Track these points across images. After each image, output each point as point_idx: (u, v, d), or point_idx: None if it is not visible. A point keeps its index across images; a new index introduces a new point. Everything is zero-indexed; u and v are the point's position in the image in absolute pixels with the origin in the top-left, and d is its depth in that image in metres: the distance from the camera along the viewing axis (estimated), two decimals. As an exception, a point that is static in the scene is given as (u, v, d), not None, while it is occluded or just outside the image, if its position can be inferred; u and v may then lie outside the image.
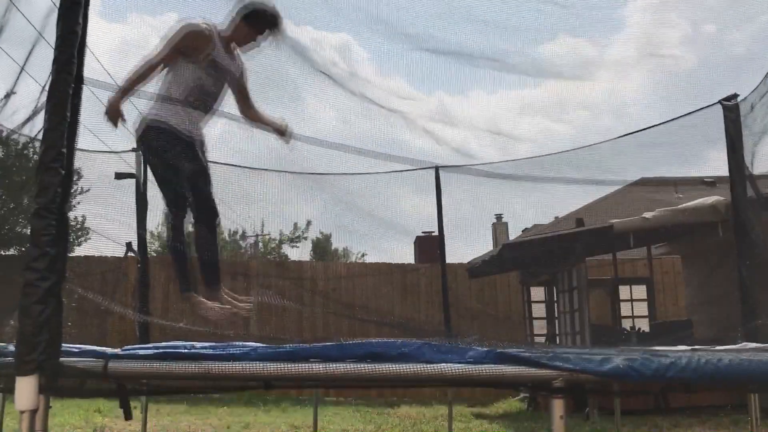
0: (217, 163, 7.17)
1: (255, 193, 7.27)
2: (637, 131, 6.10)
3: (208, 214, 4.00)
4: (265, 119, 4.22)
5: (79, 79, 2.48)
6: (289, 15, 3.82)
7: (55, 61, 2.37)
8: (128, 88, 3.70)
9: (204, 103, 3.89)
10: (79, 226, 12.49)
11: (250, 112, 4.20)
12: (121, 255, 7.43)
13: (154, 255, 17.57)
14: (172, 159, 3.73)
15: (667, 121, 5.84)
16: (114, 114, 3.68)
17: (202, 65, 3.78)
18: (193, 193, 3.89)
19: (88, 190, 8.29)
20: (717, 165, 5.68)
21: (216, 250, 4.11)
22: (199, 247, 4.01)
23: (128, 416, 3.36)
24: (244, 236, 21.88)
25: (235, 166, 7.12)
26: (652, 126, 5.96)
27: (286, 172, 7.10)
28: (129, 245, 7.23)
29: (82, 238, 13.19)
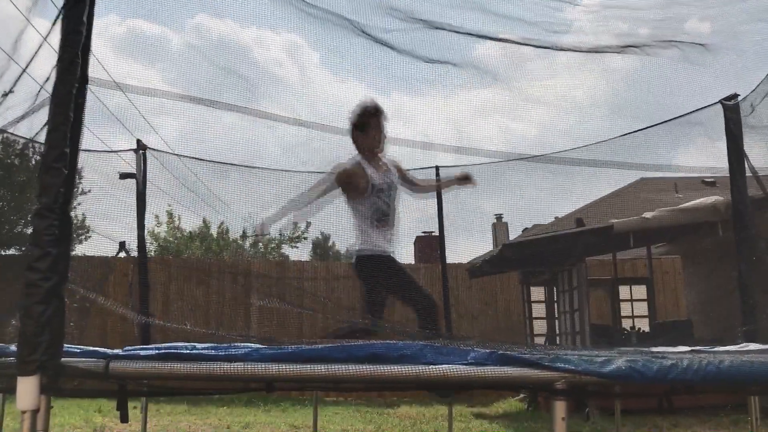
0: (216, 162, 7.21)
1: (253, 193, 7.28)
2: (636, 131, 6.10)
3: (428, 309, 4.31)
4: (434, 184, 4.96)
5: (84, 79, 2.47)
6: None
7: (58, 61, 2.36)
8: (282, 214, 4.29)
9: (386, 217, 4.34)
10: (79, 225, 12.50)
11: (416, 188, 4.80)
12: (116, 255, 7.39)
13: (153, 255, 17.58)
14: (380, 280, 4.25)
15: (667, 121, 5.84)
16: (262, 231, 4.28)
17: (369, 195, 4.28)
18: (410, 299, 4.28)
19: (89, 191, 8.30)
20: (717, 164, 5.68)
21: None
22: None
23: (125, 419, 3.35)
24: (244, 236, 21.86)
25: (234, 165, 7.13)
26: (651, 126, 5.96)
27: (283, 170, 7.11)
28: (122, 245, 7.21)
29: (83, 237, 13.22)
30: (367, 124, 4.33)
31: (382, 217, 4.32)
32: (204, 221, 19.39)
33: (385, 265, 4.25)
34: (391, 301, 4.38)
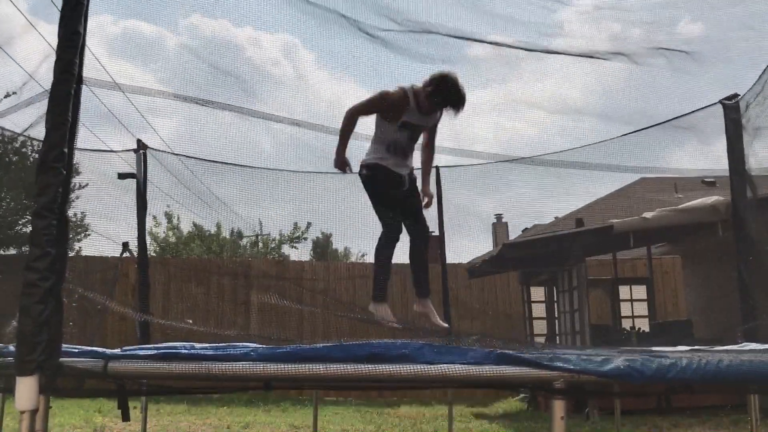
0: (216, 162, 7.21)
1: (253, 192, 7.28)
2: (637, 131, 6.10)
3: (420, 231, 4.52)
4: (425, 169, 4.76)
5: (79, 80, 2.47)
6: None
7: (57, 61, 2.35)
8: (341, 138, 4.33)
9: (402, 151, 4.42)
10: (78, 224, 12.49)
11: (426, 150, 4.73)
12: (118, 255, 7.40)
13: (153, 255, 17.58)
14: (382, 190, 4.36)
15: (666, 121, 5.85)
16: (341, 164, 4.35)
17: (395, 125, 4.30)
18: (405, 217, 4.42)
19: (86, 185, 8.29)
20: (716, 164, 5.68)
21: (426, 264, 4.58)
22: (413, 262, 4.53)
23: (126, 417, 3.39)
24: (241, 236, 21.87)
25: (233, 165, 7.13)
26: (651, 126, 5.97)
27: (282, 170, 7.11)
28: (125, 245, 7.23)
29: (81, 235, 13.21)
30: (436, 96, 4.25)
31: (398, 149, 4.39)
32: (195, 224, 19.42)
33: (389, 177, 4.34)
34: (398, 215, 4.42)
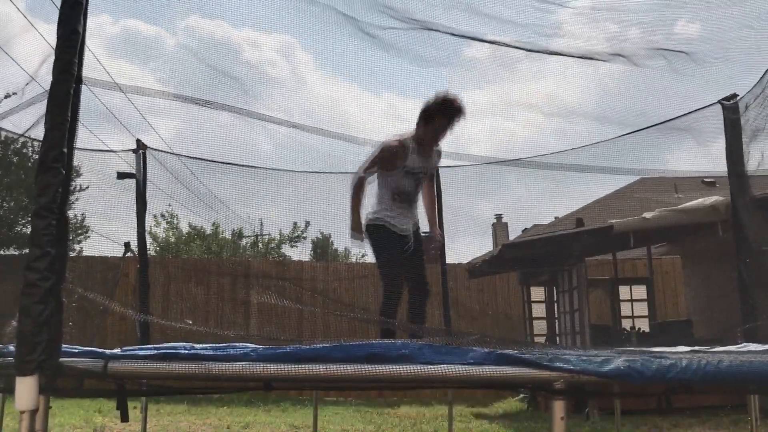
0: (216, 161, 7.20)
1: (253, 192, 7.27)
2: (635, 131, 6.09)
3: (421, 289, 4.50)
4: (430, 212, 4.83)
5: (78, 79, 2.47)
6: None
7: (56, 61, 2.35)
8: (353, 203, 4.36)
9: (407, 198, 4.47)
10: (78, 224, 12.50)
11: (428, 193, 4.79)
12: (120, 255, 7.40)
13: (154, 255, 17.58)
14: (386, 252, 4.37)
15: (664, 122, 5.84)
16: (357, 233, 4.35)
17: (398, 174, 4.35)
18: (408, 276, 4.43)
19: (87, 187, 8.29)
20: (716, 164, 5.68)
21: (425, 317, 4.54)
22: (412, 316, 4.46)
23: (125, 418, 3.39)
24: (241, 236, 21.87)
25: (233, 164, 7.12)
26: (650, 126, 5.96)
27: (282, 170, 7.10)
28: (127, 245, 7.23)
29: (81, 236, 13.23)
30: (434, 119, 4.27)
31: (403, 196, 4.42)
32: (190, 225, 19.41)
33: (393, 239, 4.35)
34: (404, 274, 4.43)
